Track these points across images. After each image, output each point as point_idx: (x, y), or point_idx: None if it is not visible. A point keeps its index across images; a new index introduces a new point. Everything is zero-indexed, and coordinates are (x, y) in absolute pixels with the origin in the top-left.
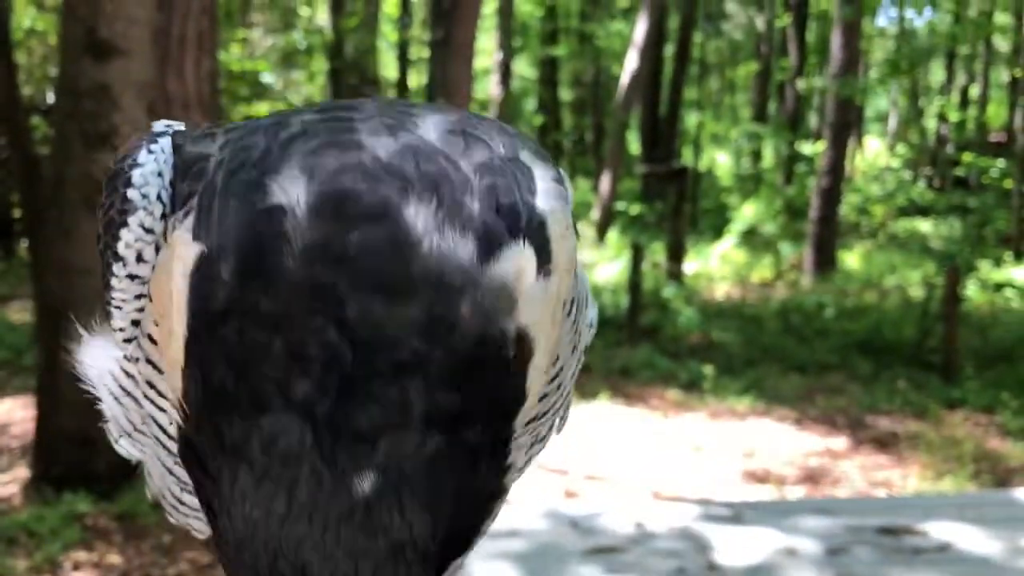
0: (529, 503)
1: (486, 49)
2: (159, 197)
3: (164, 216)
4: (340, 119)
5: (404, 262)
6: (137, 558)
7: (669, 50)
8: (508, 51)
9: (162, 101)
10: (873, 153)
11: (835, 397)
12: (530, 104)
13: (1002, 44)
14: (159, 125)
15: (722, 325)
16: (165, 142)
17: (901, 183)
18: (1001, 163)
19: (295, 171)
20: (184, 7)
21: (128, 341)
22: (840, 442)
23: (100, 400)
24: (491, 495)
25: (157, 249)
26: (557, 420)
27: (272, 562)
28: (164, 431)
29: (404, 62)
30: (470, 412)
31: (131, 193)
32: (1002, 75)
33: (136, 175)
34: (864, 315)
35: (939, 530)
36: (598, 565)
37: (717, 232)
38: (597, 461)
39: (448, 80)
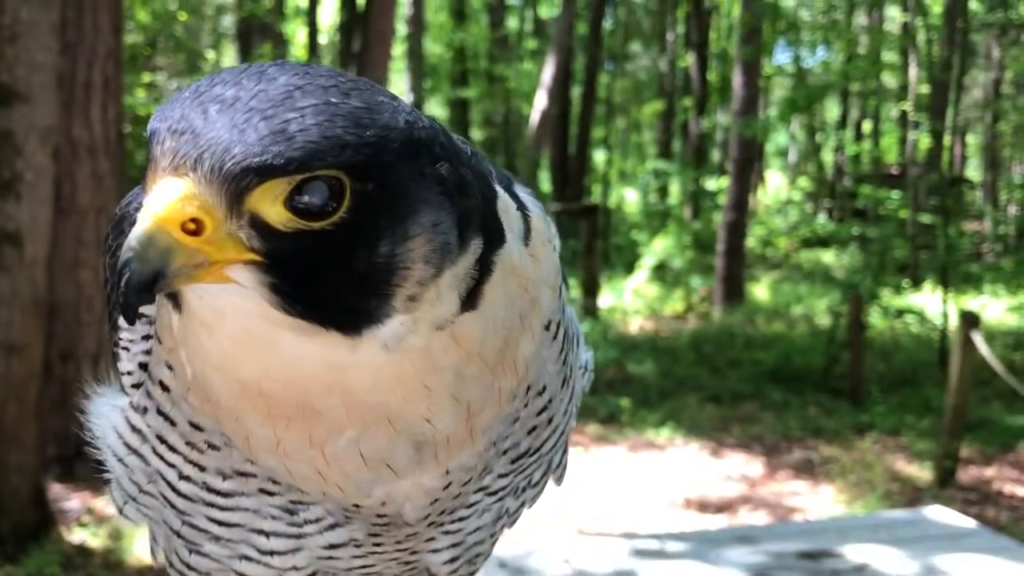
0: None
1: (397, 91)
2: None
3: None
4: None
5: None
6: None
7: (577, 91)
8: (419, 93)
9: (68, 147)
10: (775, 187)
11: (750, 425)
12: None
13: (891, 81)
14: None
15: (637, 358)
16: None
17: (803, 215)
18: (896, 194)
19: None
20: (89, 52)
21: (136, 387)
22: (757, 469)
23: (105, 466)
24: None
25: None
26: (553, 465)
27: None
28: (173, 488)
29: None
30: None
31: None
32: (892, 110)
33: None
34: (774, 344)
35: (855, 552)
36: None
37: (629, 267)
38: None
39: None
